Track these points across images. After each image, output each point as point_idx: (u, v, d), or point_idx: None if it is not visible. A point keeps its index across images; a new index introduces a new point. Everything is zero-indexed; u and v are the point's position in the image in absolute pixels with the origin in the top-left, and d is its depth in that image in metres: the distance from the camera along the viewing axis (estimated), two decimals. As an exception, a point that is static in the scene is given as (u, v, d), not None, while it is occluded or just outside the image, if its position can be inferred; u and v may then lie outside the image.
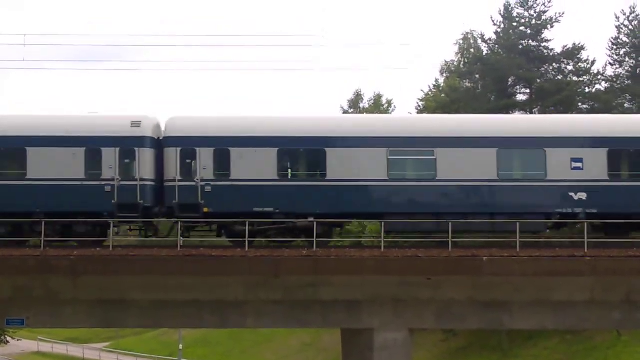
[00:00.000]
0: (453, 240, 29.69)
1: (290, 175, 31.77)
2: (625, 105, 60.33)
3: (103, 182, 30.90)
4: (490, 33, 67.69)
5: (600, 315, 30.39)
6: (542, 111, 59.09)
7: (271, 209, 31.11)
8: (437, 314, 30.32)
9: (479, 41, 68.82)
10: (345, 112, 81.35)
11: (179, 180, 31.05)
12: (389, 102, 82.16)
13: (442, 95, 68.50)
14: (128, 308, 30.16)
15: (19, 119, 32.35)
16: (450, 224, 29.67)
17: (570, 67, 62.08)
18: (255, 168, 31.14)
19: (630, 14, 62.32)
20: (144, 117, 31.80)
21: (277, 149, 31.25)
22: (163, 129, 31.98)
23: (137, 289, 29.74)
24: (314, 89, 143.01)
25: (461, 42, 75.58)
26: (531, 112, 59.84)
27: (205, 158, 31.15)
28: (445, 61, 76.18)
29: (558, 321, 30.70)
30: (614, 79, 62.38)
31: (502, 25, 63.34)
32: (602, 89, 61.89)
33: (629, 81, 61.50)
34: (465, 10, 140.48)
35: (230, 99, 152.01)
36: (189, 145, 31.27)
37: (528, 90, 61.53)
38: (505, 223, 30.83)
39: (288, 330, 61.81)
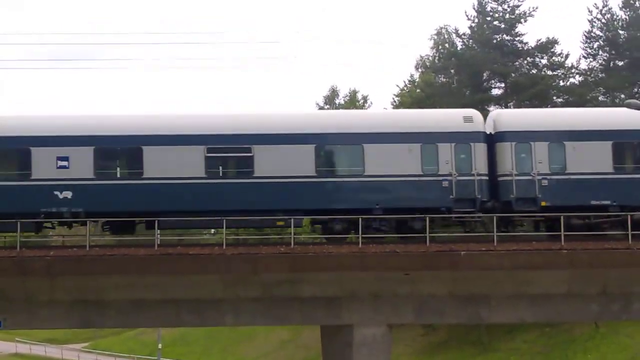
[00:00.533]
0: (430, 235, 29.73)
1: (625, 168, 31.69)
2: (600, 98, 60.64)
3: (440, 178, 31.08)
4: (464, 28, 68.16)
5: (578, 308, 30.57)
6: (517, 105, 59.34)
7: (608, 202, 31.21)
8: (416, 309, 30.37)
9: (453, 36, 69.03)
10: (320, 108, 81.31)
11: (515, 175, 31.19)
12: (365, 98, 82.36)
13: (418, 90, 68.61)
14: (106, 308, 30.00)
15: (357, 117, 32.95)
16: (427, 218, 29.74)
17: (544, 61, 62.33)
18: (590, 161, 31.39)
19: (603, 7, 62.66)
20: (474, 112, 32.49)
21: (611, 142, 31.42)
22: (490, 124, 32.34)
23: (114, 289, 29.58)
24: (291, 86, 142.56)
25: (435, 37, 75.85)
26: (506, 106, 60.08)
27: (540, 152, 31.40)
28: (420, 56, 76.48)
29: (536, 314, 30.85)
30: (588, 73, 62.71)
31: (476, 20, 63.51)
32: (576, 82, 62.20)
33: (603, 74, 61.84)
34: (439, 5, 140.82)
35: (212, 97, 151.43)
36: (523, 139, 31.49)
37: (503, 85, 61.72)
38: None
39: (267, 328, 61.72)
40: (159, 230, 30.08)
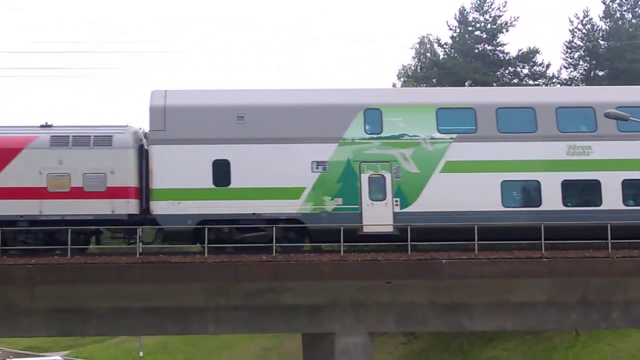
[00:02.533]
0: (412, 243, 29.80)
1: None
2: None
3: None
4: (446, 37, 68.30)
5: (558, 316, 30.71)
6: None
7: None
8: (397, 317, 30.44)
9: (435, 45, 69.33)
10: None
11: None
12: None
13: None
14: (87, 316, 29.91)
15: None
16: (409, 227, 29.82)
17: (525, 71, 62.77)
18: None
19: (584, 17, 63.11)
20: None
21: None
22: None
23: (95, 297, 29.52)
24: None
25: (417, 46, 76.05)
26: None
27: None
28: (403, 65, 76.60)
29: (517, 322, 30.99)
30: (569, 82, 63.11)
31: (458, 30, 63.88)
32: (557, 91, 62.46)
33: (584, 84, 62.23)
34: (421, 14, 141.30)
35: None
36: None
37: (485, 94, 61.90)
38: None
39: (249, 336, 61.57)
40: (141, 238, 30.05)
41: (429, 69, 67.55)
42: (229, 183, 30.87)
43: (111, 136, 31.13)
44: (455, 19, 64.25)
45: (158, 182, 30.75)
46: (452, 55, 64.39)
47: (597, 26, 63.02)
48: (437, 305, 30.26)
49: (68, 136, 31.17)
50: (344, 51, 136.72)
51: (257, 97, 32.02)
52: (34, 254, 29.67)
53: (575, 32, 63.25)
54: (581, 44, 63.01)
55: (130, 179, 30.85)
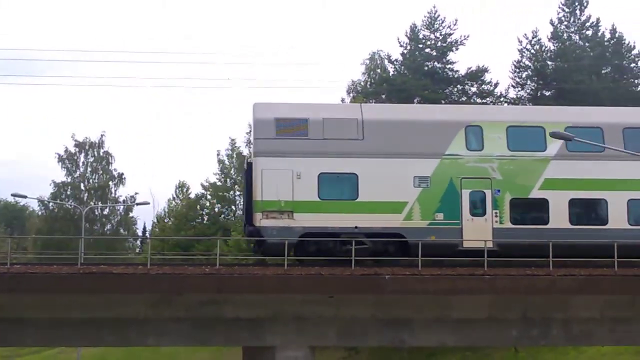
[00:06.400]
0: (356, 258, 29.84)
1: None
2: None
3: None
4: (396, 54, 68.78)
5: (498, 332, 30.93)
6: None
7: None
8: (339, 331, 30.42)
9: (386, 62, 69.69)
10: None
11: None
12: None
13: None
14: (25, 326, 29.43)
15: None
16: (353, 242, 29.88)
17: (474, 89, 63.35)
18: None
19: (533, 38, 63.95)
20: None
21: None
22: None
23: (35, 307, 29.08)
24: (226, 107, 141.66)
25: (368, 62, 76.39)
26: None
27: None
28: (352, 80, 76.87)
29: (458, 338, 31.12)
30: (516, 101, 63.83)
31: (408, 47, 64.33)
32: (505, 110, 63.10)
33: (530, 103, 62.98)
34: (372, 30, 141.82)
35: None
36: None
37: (433, 111, 62.35)
38: None
39: (190, 348, 61.08)
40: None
41: (379, 85, 67.87)
42: None
43: None
44: (406, 35, 64.74)
45: None
46: (402, 72, 64.83)
47: (546, 47, 63.92)
48: (379, 320, 30.31)
49: None
50: (293, 64, 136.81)
51: None
52: None
53: (524, 52, 64.09)
54: (529, 64, 63.83)
55: None
